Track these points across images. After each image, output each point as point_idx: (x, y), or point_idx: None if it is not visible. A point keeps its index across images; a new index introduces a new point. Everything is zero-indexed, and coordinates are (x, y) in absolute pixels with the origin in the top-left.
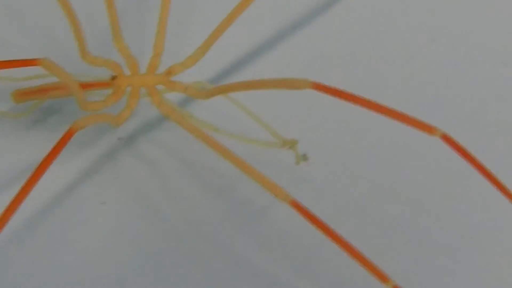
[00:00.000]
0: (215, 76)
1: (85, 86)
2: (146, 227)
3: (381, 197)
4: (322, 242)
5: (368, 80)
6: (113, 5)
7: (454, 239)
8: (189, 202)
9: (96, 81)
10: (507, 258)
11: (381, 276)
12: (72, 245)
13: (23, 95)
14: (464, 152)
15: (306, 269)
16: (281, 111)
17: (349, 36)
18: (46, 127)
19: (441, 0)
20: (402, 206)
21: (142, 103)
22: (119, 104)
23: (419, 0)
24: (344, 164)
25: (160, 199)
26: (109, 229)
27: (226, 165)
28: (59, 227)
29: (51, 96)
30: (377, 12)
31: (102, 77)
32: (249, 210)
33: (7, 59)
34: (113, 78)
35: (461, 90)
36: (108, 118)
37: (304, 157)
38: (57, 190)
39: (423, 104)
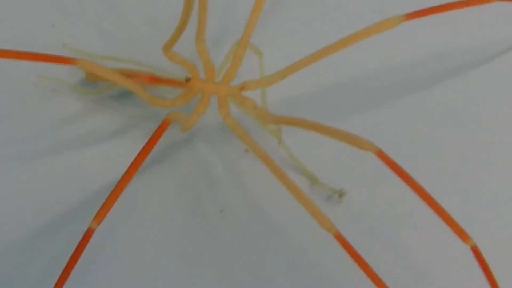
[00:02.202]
0: (276, 101)
1: (158, 80)
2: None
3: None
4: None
5: None
6: (206, 5)
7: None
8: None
9: (169, 78)
10: None
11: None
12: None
13: (94, 73)
14: (397, 168)
15: None
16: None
17: None
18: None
19: None
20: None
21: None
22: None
23: None
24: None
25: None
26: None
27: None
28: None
29: (120, 83)
30: None
31: (176, 75)
32: (290, 223)
33: (49, 54)
34: (187, 80)
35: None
36: (186, 119)
37: (341, 194)
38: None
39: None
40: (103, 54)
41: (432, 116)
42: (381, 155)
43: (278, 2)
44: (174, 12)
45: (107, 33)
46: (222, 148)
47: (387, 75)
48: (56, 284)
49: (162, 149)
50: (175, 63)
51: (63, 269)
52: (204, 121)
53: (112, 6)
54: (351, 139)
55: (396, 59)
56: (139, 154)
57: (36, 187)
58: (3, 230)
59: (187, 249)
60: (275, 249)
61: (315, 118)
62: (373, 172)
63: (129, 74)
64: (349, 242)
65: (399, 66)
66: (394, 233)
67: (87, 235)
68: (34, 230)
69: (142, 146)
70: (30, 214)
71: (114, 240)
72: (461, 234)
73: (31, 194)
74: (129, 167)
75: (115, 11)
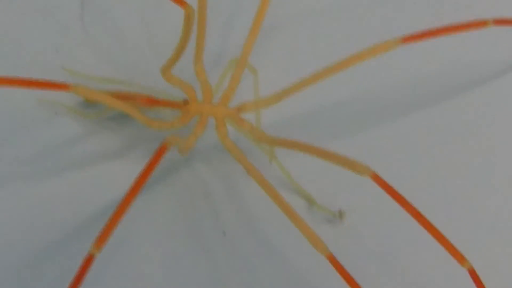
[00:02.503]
0: (271, 122)
1: (155, 102)
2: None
3: None
4: None
5: None
6: (204, 28)
7: None
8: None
9: (167, 100)
10: None
11: (459, 256)
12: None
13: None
14: (393, 192)
15: None
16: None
17: None
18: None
19: None
20: None
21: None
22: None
23: None
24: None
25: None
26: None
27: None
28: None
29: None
30: None
31: (174, 97)
32: (292, 244)
33: (44, 80)
34: (185, 102)
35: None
36: (184, 142)
37: (341, 214)
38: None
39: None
40: (102, 76)
41: (430, 137)
42: (377, 178)
43: (275, 24)
44: (173, 34)
45: (106, 55)
46: (222, 168)
47: (385, 95)
48: None
49: (161, 169)
50: (173, 85)
51: None
52: (204, 141)
53: (112, 28)
54: (347, 163)
55: (394, 79)
56: (137, 179)
57: (36, 209)
58: (4, 250)
59: (189, 271)
60: (275, 269)
61: (310, 138)
62: (372, 191)
63: (127, 96)
64: (342, 264)
65: (397, 86)
66: (393, 254)
67: (88, 261)
68: (35, 251)
69: (142, 167)
70: (31, 235)
71: (113, 263)
72: (458, 256)
73: (32, 215)
74: (127, 193)
75: (115, 33)
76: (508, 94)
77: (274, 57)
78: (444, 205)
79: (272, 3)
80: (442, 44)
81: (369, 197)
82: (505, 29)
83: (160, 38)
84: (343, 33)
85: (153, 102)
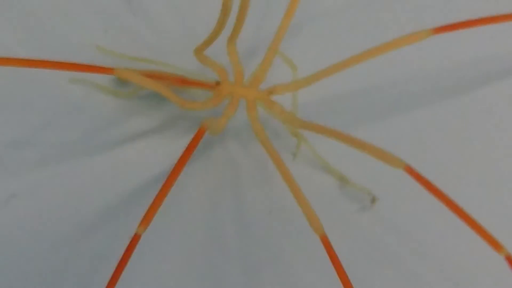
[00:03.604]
0: (301, 105)
1: (187, 82)
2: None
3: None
4: None
5: None
6: (247, 7)
7: None
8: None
9: (199, 80)
10: None
11: (495, 244)
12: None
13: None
14: (427, 184)
15: None
16: None
17: None
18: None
19: None
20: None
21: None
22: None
23: None
24: None
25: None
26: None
27: None
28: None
29: (151, 87)
30: None
31: (206, 78)
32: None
33: (86, 64)
34: (217, 83)
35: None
36: (216, 123)
37: (373, 199)
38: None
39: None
40: (135, 55)
41: (459, 125)
42: (411, 171)
43: (311, 11)
44: (206, 17)
45: (138, 35)
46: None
47: (413, 84)
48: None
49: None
50: (205, 66)
51: (111, 275)
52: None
53: (144, 10)
54: (380, 154)
55: (423, 68)
56: (178, 161)
57: (78, 189)
58: (45, 231)
59: (232, 248)
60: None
61: (339, 124)
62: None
63: (159, 76)
64: (334, 247)
65: (425, 75)
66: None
67: (134, 241)
68: (76, 230)
69: (178, 145)
70: (73, 215)
71: (150, 243)
72: (494, 244)
73: (74, 196)
74: (170, 174)
75: (146, 14)
76: None
77: (307, 44)
78: (476, 194)
79: None
80: (470, 36)
81: (401, 186)
82: None
83: (192, 19)
84: (374, 23)
85: (185, 82)
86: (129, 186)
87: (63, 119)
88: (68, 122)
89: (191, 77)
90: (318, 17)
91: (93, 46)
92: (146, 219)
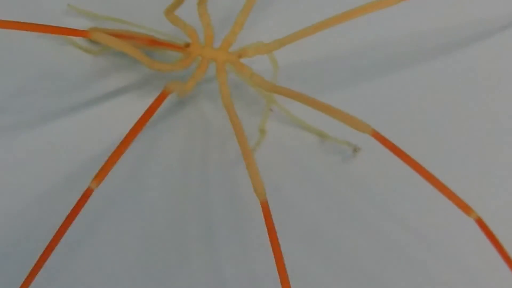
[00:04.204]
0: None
1: (157, 43)
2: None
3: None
4: None
5: None
6: None
7: None
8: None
9: (169, 41)
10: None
11: (464, 207)
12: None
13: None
14: (393, 147)
15: None
16: None
17: None
18: None
19: None
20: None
21: None
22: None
23: None
24: None
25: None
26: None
27: None
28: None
29: (121, 49)
30: None
31: (176, 39)
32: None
33: (62, 27)
34: (187, 45)
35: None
36: (183, 85)
37: (356, 149)
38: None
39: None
40: (105, 15)
41: (431, 90)
42: (377, 135)
43: None
44: None
45: None
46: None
47: (385, 50)
48: (52, 241)
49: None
50: (176, 27)
51: (58, 228)
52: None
53: None
54: (347, 119)
55: (396, 33)
56: (137, 122)
57: (45, 147)
58: (4, 192)
59: (198, 207)
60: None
61: (309, 88)
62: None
63: (129, 36)
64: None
65: (399, 40)
66: (394, 202)
67: (86, 195)
68: (41, 190)
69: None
70: (39, 174)
71: (116, 201)
72: (464, 207)
73: (41, 154)
74: (127, 134)
75: None
76: (510, 48)
77: (277, 8)
78: (446, 159)
79: None
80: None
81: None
82: None
83: None
84: None
85: (154, 42)
86: (98, 144)
87: (36, 82)
88: (41, 85)
89: (161, 38)
90: None
91: (64, 5)
92: (100, 175)
